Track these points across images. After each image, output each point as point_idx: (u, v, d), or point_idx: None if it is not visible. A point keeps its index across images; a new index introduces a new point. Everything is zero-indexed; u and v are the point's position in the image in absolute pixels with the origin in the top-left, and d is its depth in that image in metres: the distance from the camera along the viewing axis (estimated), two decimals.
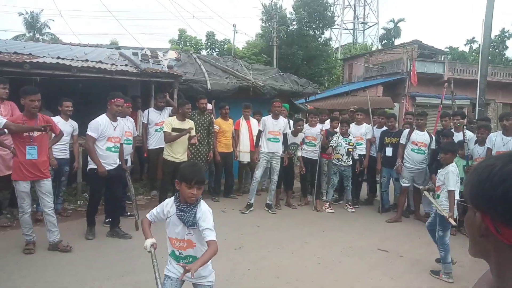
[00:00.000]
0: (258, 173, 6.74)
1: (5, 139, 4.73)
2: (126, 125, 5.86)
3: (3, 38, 14.46)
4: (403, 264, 4.78)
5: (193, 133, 6.29)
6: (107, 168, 4.92)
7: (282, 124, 6.79)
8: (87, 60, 7.11)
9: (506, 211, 0.77)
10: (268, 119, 6.80)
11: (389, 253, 5.09)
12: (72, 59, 7.02)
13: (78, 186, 6.81)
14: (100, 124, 4.89)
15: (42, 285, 3.76)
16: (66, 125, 5.64)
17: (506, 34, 38.67)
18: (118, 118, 5.26)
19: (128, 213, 6.11)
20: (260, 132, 6.78)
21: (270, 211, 6.75)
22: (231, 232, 5.66)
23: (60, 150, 5.61)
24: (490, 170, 0.81)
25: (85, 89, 7.67)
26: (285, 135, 6.84)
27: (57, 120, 5.46)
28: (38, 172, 4.45)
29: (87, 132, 4.89)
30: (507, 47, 39.41)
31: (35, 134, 4.45)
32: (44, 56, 6.79)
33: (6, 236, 5.03)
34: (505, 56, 38.65)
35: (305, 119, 7.87)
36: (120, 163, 5.24)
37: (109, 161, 5.01)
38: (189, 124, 6.28)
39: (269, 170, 7.01)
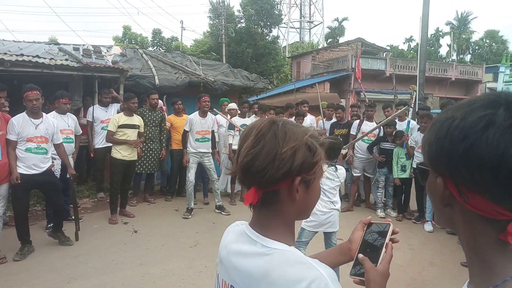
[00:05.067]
0: (191, 175, 6.16)
1: None
2: (66, 122, 5.48)
3: None
4: None
5: (141, 129, 6.04)
6: (29, 173, 4.28)
7: (210, 122, 6.36)
8: (22, 55, 6.55)
9: (471, 173, 0.62)
10: (195, 117, 6.23)
11: (343, 241, 5.18)
12: (5, 53, 6.45)
13: None
14: (14, 124, 4.26)
15: None
16: None
17: (440, 33, 41.48)
18: (46, 115, 4.66)
19: (72, 217, 5.73)
20: (185, 132, 6.24)
21: (223, 212, 6.34)
22: (186, 230, 5.51)
23: None
24: (449, 124, 0.66)
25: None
26: (212, 132, 6.44)
27: None
28: (2, 175, 4.11)
29: (6, 136, 4.25)
30: (441, 45, 42.33)
31: None
32: None
33: None
34: (440, 53, 41.43)
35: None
36: (45, 167, 4.48)
37: (31, 164, 4.33)
38: (138, 119, 6.01)
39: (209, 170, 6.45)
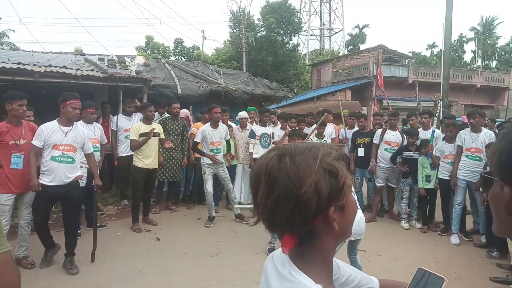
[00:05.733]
0: (208, 186, 6.14)
1: None
2: (92, 131, 5.61)
3: None
4: (382, 263, 4.79)
5: (161, 135, 6.12)
6: (52, 184, 4.13)
7: (222, 132, 6.32)
8: (50, 66, 6.79)
9: None
10: (207, 129, 6.17)
11: (367, 253, 5.09)
12: (34, 65, 6.69)
13: None
14: (43, 130, 4.15)
15: None
16: None
17: (464, 39, 40.63)
18: (77, 123, 4.56)
19: (98, 224, 5.84)
20: (196, 143, 6.20)
21: (243, 221, 6.32)
22: (208, 238, 5.53)
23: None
24: None
25: (52, 98, 7.35)
26: (228, 141, 6.48)
27: None
28: (25, 183, 4.13)
29: (31, 142, 4.18)
30: (465, 51, 41.44)
31: (22, 141, 4.16)
32: (3, 62, 6.43)
33: None
34: (464, 60, 40.55)
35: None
36: (72, 178, 4.27)
37: (55, 175, 4.16)
38: (157, 127, 6.08)
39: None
